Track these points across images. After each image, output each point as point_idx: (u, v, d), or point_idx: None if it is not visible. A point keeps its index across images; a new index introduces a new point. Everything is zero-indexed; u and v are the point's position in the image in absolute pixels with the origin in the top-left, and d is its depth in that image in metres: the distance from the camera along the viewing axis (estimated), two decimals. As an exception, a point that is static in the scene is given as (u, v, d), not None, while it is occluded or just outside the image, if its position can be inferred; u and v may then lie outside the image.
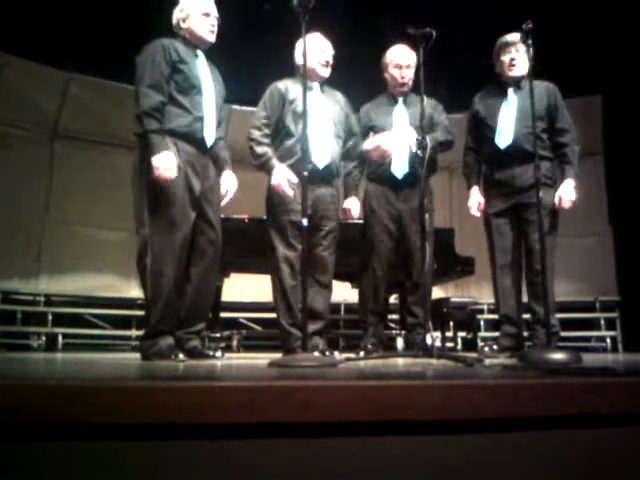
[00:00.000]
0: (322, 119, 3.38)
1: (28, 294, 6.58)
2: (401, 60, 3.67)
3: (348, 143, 3.57)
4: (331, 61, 3.47)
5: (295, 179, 3.18)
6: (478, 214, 3.61)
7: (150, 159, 2.82)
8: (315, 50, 3.40)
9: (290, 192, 3.20)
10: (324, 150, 3.34)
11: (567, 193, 3.38)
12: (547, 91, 3.52)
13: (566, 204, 3.38)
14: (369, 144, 3.47)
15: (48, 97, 6.79)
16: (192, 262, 3.03)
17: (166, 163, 2.82)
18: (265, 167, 3.29)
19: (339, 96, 3.58)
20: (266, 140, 3.33)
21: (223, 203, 3.19)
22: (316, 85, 3.45)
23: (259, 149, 3.30)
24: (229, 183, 3.20)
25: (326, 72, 3.46)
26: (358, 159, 3.65)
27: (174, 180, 2.86)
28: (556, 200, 3.39)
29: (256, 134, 3.33)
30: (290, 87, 3.37)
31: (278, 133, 3.38)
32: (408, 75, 3.67)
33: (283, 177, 3.20)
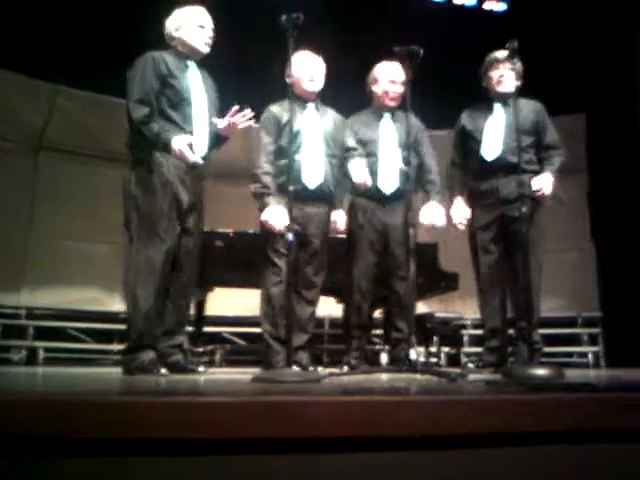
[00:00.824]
0: (315, 138, 3.39)
1: (9, 307, 6.50)
2: (395, 76, 3.69)
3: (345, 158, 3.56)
4: (318, 76, 3.49)
5: (286, 221, 3.18)
6: (462, 225, 3.60)
7: (171, 149, 2.84)
8: (302, 66, 3.43)
9: (277, 229, 3.21)
10: (316, 170, 3.35)
11: (544, 180, 3.36)
12: (535, 109, 3.58)
13: (546, 189, 3.33)
14: (357, 176, 3.44)
15: (35, 109, 6.75)
16: (171, 274, 3.01)
17: (184, 142, 2.84)
18: (261, 200, 3.30)
19: (334, 114, 3.60)
20: (272, 170, 3.34)
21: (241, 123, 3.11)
22: (310, 104, 3.47)
23: (263, 179, 3.31)
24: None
25: (314, 86, 3.47)
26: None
27: (196, 157, 2.88)
28: (534, 186, 3.32)
29: (262, 162, 3.34)
30: (284, 110, 3.38)
31: (274, 154, 3.39)
32: (400, 90, 3.69)
33: (273, 217, 3.22)
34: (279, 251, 3.28)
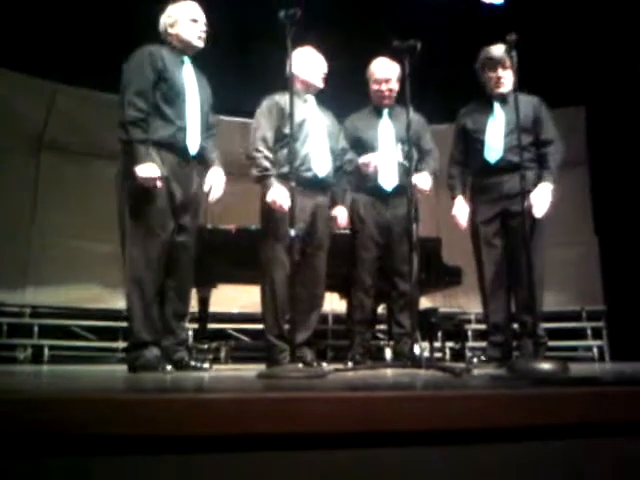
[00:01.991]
0: (319, 130, 3.41)
1: (14, 305, 6.52)
2: (380, 74, 3.70)
3: (344, 158, 3.57)
4: (324, 71, 3.52)
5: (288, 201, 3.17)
6: (464, 224, 3.61)
7: (133, 168, 2.82)
8: (310, 60, 3.44)
9: (286, 208, 3.16)
10: (324, 159, 3.36)
11: (540, 198, 3.33)
12: (533, 104, 3.55)
13: (538, 212, 3.28)
14: (363, 159, 3.50)
15: (34, 108, 6.74)
16: (168, 270, 3.01)
17: (149, 173, 2.83)
18: (264, 182, 3.26)
19: (331, 114, 3.61)
20: (271, 155, 3.31)
21: (210, 199, 3.15)
22: (311, 97, 3.48)
23: (264, 162, 3.27)
24: (215, 178, 3.16)
25: (321, 80, 3.50)
26: (352, 173, 3.64)
27: (155, 190, 2.87)
28: (531, 200, 3.28)
29: (262, 146, 3.30)
30: (287, 99, 3.36)
31: (277, 141, 3.36)
32: (388, 88, 3.69)
33: (280, 196, 3.17)
34: (282, 247, 3.23)
